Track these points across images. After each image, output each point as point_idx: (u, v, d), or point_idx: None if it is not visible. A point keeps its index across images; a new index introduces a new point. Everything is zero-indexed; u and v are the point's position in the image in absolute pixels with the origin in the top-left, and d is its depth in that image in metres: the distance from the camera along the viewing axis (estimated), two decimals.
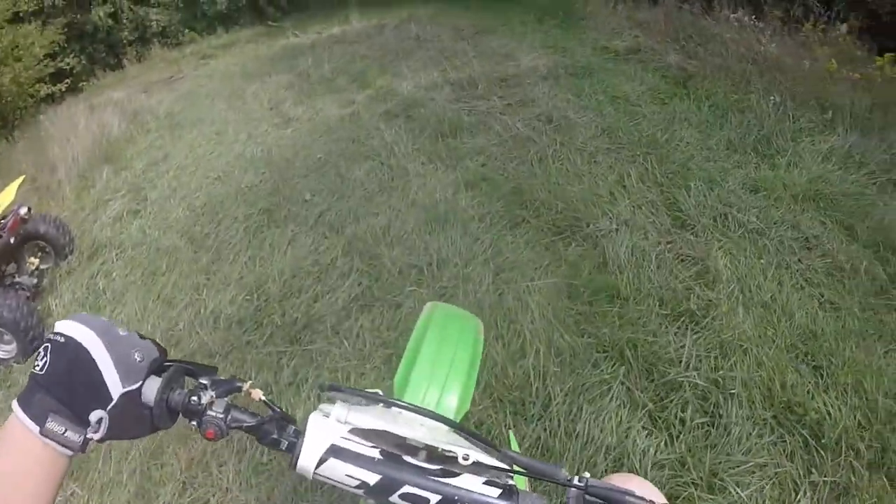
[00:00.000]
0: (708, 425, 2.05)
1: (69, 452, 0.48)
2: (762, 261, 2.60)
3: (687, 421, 2.06)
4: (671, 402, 2.07)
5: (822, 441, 1.94)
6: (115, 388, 0.49)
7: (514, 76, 5.12)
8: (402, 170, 3.90)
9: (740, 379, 2.11)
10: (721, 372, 2.14)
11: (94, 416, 0.48)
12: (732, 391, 2.07)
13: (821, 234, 2.85)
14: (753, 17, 5.27)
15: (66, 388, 0.47)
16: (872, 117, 3.68)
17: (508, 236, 2.84)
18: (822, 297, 2.54)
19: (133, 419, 0.51)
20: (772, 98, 3.89)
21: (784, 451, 1.93)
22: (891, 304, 2.58)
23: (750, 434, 1.99)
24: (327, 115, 5.01)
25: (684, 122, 3.81)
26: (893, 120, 3.64)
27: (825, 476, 1.84)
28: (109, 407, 0.49)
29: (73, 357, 0.48)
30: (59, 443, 0.47)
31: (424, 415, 0.53)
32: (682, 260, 2.60)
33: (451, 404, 0.76)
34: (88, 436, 0.48)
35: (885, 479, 1.87)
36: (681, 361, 2.15)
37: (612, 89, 4.50)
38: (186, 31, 9.88)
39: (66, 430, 0.46)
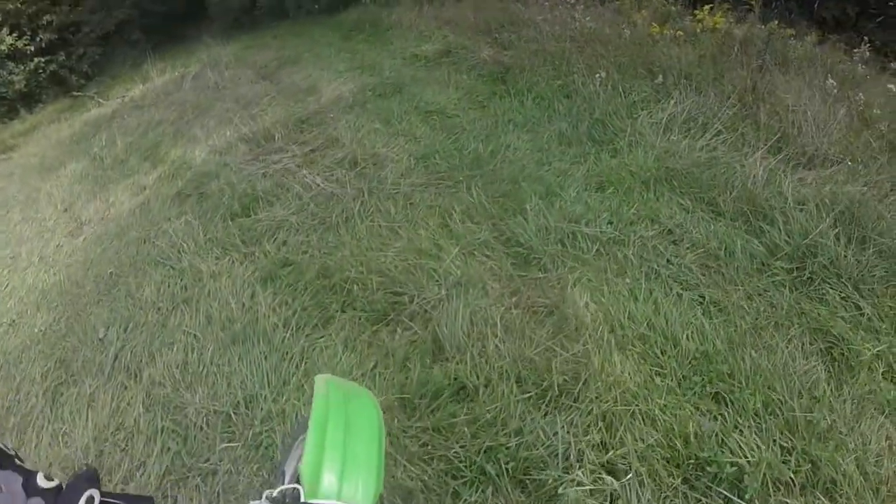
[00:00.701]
0: None
1: None
2: (627, 280, 2.52)
3: None
4: None
5: (747, 496, 1.84)
6: None
7: (316, 114, 5.02)
8: (195, 273, 3.50)
9: (634, 453, 1.96)
10: (610, 453, 1.96)
11: None
12: (628, 475, 1.89)
13: (684, 222, 2.87)
14: None
15: None
16: (703, 70, 3.86)
17: (321, 340, 2.54)
18: (704, 300, 2.53)
19: None
20: (597, 75, 3.98)
21: None
22: (776, 280, 2.63)
23: None
24: (119, 211, 4.55)
25: (508, 125, 3.82)
26: (723, 68, 3.79)
27: None
28: None
29: None
30: None
31: None
32: (534, 313, 2.47)
33: (370, 490, 0.82)
34: None
35: (822, 499, 1.84)
36: (557, 457, 1.86)
37: (425, 104, 4.55)
38: None
39: None
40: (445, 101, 4.46)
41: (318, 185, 3.65)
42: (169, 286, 3.38)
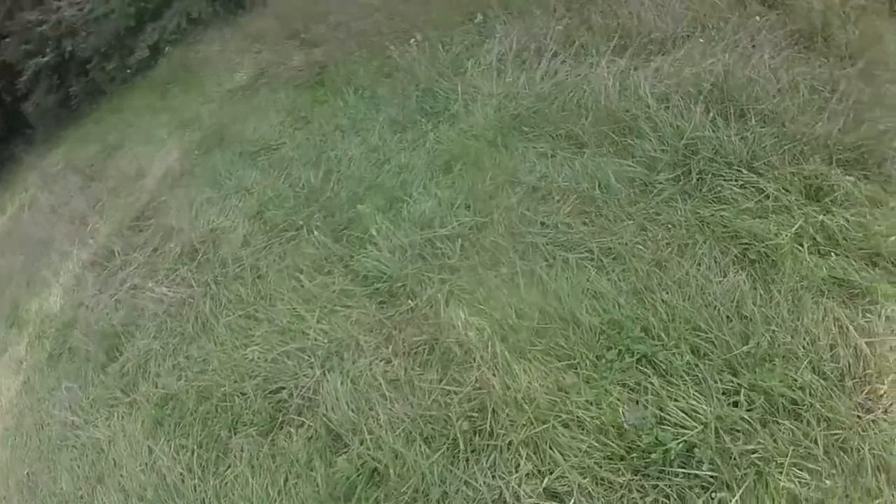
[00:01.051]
0: None
1: None
2: (503, 269, 2.41)
3: None
4: None
5: (704, 466, 1.74)
6: None
7: (149, 203, 4.81)
8: (95, 445, 3.29)
9: (572, 468, 1.82)
10: (546, 480, 1.83)
11: None
12: (572, 496, 1.77)
13: (546, 171, 2.76)
14: None
15: None
16: None
17: (228, 472, 2.44)
18: (593, 254, 2.38)
19: None
20: (413, 40, 3.75)
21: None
22: (665, 196, 2.50)
23: None
24: (9, 399, 4.37)
25: (336, 134, 3.70)
26: None
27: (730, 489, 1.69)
28: None
29: None
30: None
31: None
32: (415, 355, 2.29)
33: None
34: None
35: (787, 423, 1.76)
36: None
37: (250, 143, 4.34)
38: None
39: None
40: (269, 132, 4.29)
41: (168, 296, 3.53)
42: (79, 468, 3.26)
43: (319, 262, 2.93)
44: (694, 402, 1.84)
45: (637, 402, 1.91)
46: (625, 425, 1.85)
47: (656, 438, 1.78)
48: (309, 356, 2.56)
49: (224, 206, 3.88)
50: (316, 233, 3.06)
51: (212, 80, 6.08)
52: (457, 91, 3.29)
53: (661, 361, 1.95)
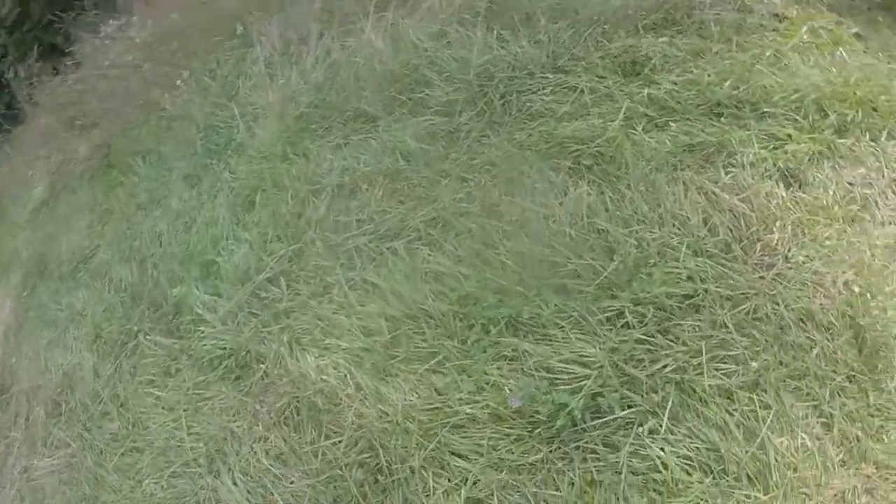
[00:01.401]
0: None
1: None
2: (335, 293, 2.15)
3: None
4: None
5: (617, 409, 1.61)
6: None
7: (3, 374, 4.45)
8: None
9: (484, 470, 1.66)
10: (463, 491, 1.68)
11: None
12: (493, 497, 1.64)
13: (347, 163, 2.51)
14: None
15: None
16: None
17: None
18: (420, 232, 2.18)
19: None
20: (179, 81, 3.55)
21: None
22: (475, 135, 2.33)
23: None
24: None
25: (138, 215, 3.36)
26: None
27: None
28: None
29: None
30: None
31: None
32: (286, 420, 2.07)
33: None
34: None
35: (694, 322, 1.66)
36: None
37: (67, 262, 3.90)
38: None
39: None
40: (80, 240, 3.91)
41: (54, 464, 3.18)
42: None
43: (165, 365, 2.69)
44: (580, 347, 1.70)
45: (522, 372, 1.74)
46: (514, 406, 1.68)
47: (554, 403, 1.63)
48: (194, 467, 2.36)
49: (65, 343, 3.57)
50: (150, 335, 2.81)
51: (14, 205, 5.67)
52: (235, 116, 3.04)
53: (528, 319, 1.79)
